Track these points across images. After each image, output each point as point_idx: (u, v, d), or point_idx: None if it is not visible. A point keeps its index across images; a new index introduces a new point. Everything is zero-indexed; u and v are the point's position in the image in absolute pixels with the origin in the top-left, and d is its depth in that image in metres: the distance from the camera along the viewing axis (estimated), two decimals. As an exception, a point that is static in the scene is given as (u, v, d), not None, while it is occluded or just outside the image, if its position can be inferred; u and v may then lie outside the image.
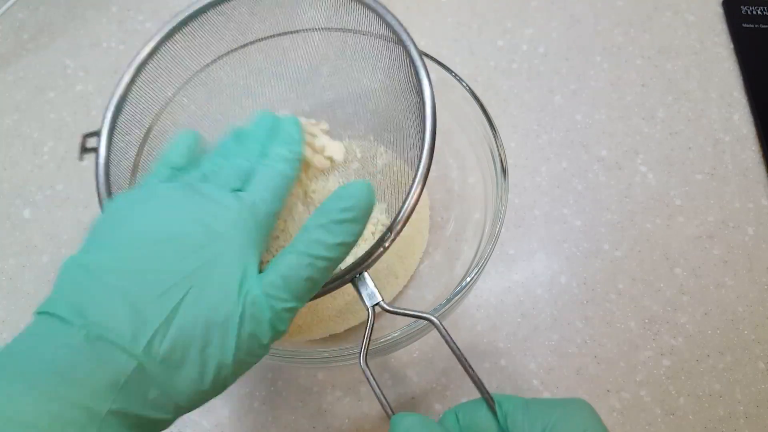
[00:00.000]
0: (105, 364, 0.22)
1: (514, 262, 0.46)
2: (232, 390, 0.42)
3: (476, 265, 0.36)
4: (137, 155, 0.36)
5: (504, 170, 0.39)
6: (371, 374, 0.29)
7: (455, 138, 0.45)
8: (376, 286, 0.30)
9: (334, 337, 0.42)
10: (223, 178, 0.29)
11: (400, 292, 0.44)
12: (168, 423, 0.24)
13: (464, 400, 0.41)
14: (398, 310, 0.30)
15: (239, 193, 0.28)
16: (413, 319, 0.34)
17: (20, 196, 0.50)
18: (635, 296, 0.44)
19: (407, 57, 0.33)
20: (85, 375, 0.22)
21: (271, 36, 0.39)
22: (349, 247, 0.27)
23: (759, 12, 0.56)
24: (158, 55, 0.37)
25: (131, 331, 0.23)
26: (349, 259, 0.30)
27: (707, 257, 0.46)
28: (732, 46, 0.55)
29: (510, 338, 0.43)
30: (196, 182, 0.29)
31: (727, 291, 0.44)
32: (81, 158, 0.34)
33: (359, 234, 0.27)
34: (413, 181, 0.30)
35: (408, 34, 0.34)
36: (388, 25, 0.34)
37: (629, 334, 0.43)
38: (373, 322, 0.30)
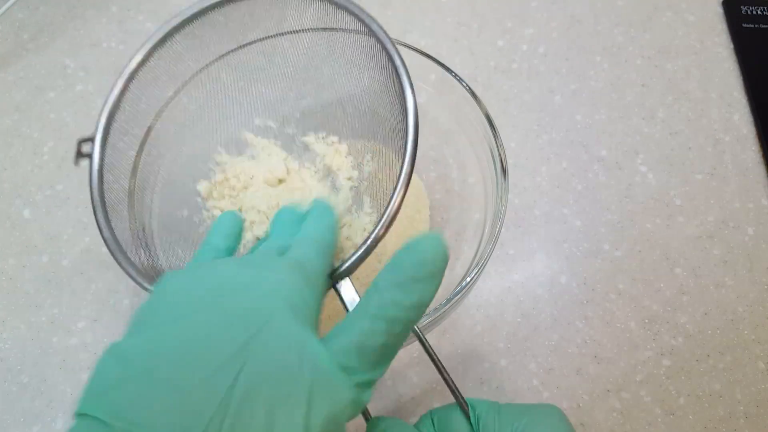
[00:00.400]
0: None
1: (514, 262, 0.46)
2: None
3: (476, 265, 0.36)
4: (137, 155, 0.36)
5: (504, 170, 0.38)
6: None
7: (455, 138, 0.45)
8: (357, 292, 0.29)
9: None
10: (262, 251, 0.27)
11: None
12: None
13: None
14: None
15: (285, 255, 0.26)
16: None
17: (20, 196, 0.50)
18: (635, 296, 0.44)
19: (390, 64, 0.33)
20: None
21: (270, 36, 0.39)
22: (425, 306, 0.24)
23: (759, 12, 0.56)
24: (156, 57, 0.36)
25: (179, 427, 0.20)
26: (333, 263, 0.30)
27: (707, 257, 0.46)
28: (732, 46, 0.55)
29: (510, 338, 0.43)
30: (249, 256, 0.27)
31: (727, 291, 0.44)
32: (76, 163, 0.34)
33: (436, 292, 0.24)
34: (394, 188, 0.30)
35: (389, 39, 0.33)
36: (371, 31, 0.34)
37: (629, 334, 0.43)
38: None
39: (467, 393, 0.42)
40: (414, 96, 0.32)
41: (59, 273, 0.47)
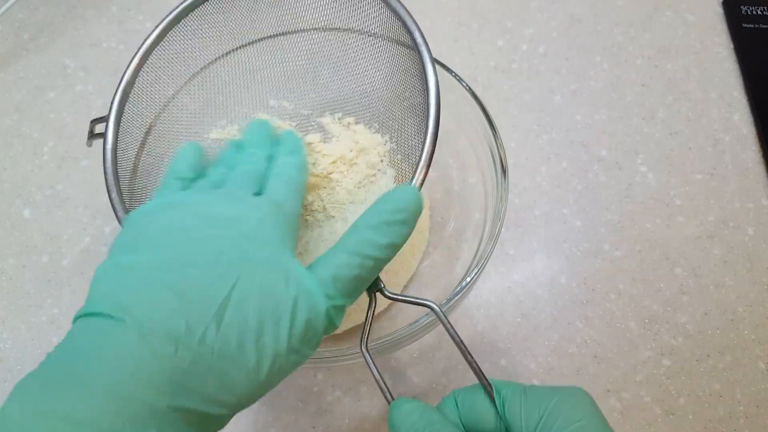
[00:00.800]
0: (162, 359, 0.22)
1: (514, 262, 0.46)
2: (232, 390, 0.42)
3: (476, 265, 0.36)
4: (137, 156, 0.36)
5: (504, 170, 0.39)
6: (372, 360, 0.29)
7: (455, 138, 0.45)
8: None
9: (334, 337, 0.42)
10: (238, 183, 0.29)
11: (401, 293, 0.44)
12: (224, 420, 0.24)
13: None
14: (397, 297, 0.30)
15: (262, 195, 0.29)
16: (414, 319, 0.34)
17: (20, 196, 0.50)
18: (635, 296, 0.44)
19: (413, 42, 0.33)
20: (142, 371, 0.22)
21: (271, 36, 0.39)
22: (397, 248, 0.27)
23: (759, 12, 0.56)
24: (161, 50, 0.37)
25: (185, 323, 0.23)
26: None
27: (707, 257, 0.46)
28: (732, 46, 0.55)
29: (510, 338, 0.43)
30: (215, 188, 0.30)
31: (727, 291, 0.44)
32: (89, 144, 0.35)
33: (407, 236, 0.28)
34: (414, 170, 0.31)
35: (415, 23, 0.34)
36: (397, 15, 0.34)
37: (629, 334, 0.43)
38: (375, 308, 0.30)
39: (467, 393, 0.42)
40: (435, 73, 0.32)
41: (59, 273, 0.47)
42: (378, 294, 0.30)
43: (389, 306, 0.44)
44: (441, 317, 0.29)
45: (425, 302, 0.30)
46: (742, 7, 0.57)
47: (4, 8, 0.56)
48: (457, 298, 0.35)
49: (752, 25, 0.56)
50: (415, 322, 0.34)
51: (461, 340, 0.29)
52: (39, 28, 0.59)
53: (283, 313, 0.24)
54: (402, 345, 0.37)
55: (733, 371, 0.42)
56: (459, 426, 0.28)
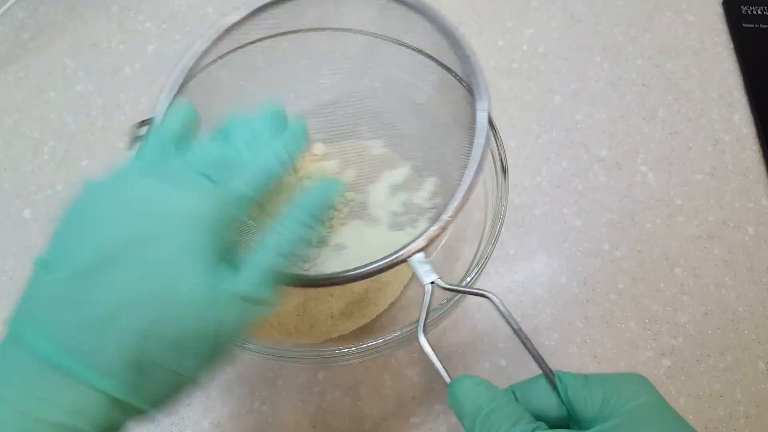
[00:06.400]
0: (69, 391, 0.22)
1: (514, 262, 0.46)
2: (232, 390, 0.42)
3: (476, 265, 0.36)
4: None
5: (504, 170, 0.39)
6: (430, 347, 0.30)
7: (455, 138, 0.45)
8: (431, 265, 0.32)
9: (337, 337, 0.42)
10: (204, 166, 0.27)
11: (401, 293, 0.44)
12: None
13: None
14: (454, 288, 0.31)
15: (211, 180, 0.26)
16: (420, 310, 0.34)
17: (20, 196, 0.50)
18: (635, 296, 0.44)
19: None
20: (52, 399, 0.22)
21: (271, 36, 0.39)
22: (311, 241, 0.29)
23: (759, 12, 0.56)
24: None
25: (89, 359, 0.22)
26: (404, 239, 0.31)
27: (707, 257, 0.46)
28: (732, 46, 0.55)
29: (510, 338, 0.43)
30: (175, 169, 0.27)
31: (727, 291, 0.44)
32: (131, 148, 0.33)
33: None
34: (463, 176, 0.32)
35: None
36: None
37: (629, 334, 0.43)
38: (431, 299, 0.31)
39: (467, 393, 0.42)
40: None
41: (59, 273, 0.47)
42: (434, 285, 0.31)
43: (397, 299, 0.43)
44: (500, 308, 0.30)
45: (483, 293, 0.30)
46: (742, 7, 0.57)
47: (4, 8, 0.56)
48: (457, 298, 0.35)
49: (752, 25, 0.56)
50: (413, 323, 0.34)
51: (520, 328, 0.29)
52: (39, 28, 0.59)
53: (202, 339, 0.24)
54: (404, 344, 0.37)
55: (733, 371, 0.42)
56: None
